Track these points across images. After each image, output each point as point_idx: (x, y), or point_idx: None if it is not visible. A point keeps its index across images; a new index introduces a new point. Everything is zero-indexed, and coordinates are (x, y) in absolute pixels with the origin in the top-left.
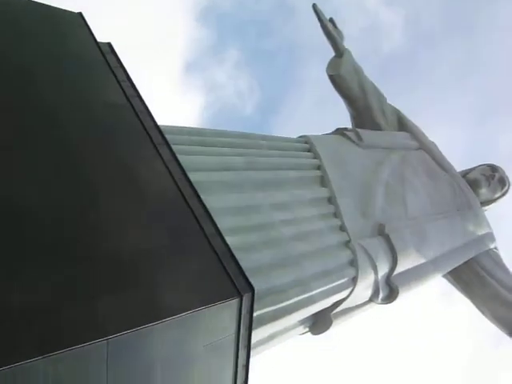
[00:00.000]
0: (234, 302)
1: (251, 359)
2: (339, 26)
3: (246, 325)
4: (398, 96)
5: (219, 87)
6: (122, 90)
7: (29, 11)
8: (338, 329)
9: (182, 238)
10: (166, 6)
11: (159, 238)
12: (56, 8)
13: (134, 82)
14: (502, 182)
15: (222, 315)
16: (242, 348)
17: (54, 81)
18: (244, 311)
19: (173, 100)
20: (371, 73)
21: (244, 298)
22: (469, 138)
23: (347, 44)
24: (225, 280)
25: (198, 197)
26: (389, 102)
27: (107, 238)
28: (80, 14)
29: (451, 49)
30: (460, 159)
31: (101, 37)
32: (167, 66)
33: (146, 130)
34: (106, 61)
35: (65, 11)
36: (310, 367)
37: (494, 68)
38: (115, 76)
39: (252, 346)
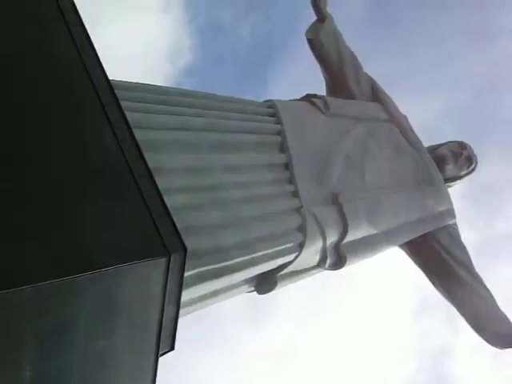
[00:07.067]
0: (162, 260)
1: (198, 312)
2: None
3: (176, 282)
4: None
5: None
6: (76, 47)
7: None
8: None
9: (116, 197)
10: None
11: (93, 195)
12: None
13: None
14: (470, 160)
15: (150, 272)
16: (171, 303)
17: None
18: (175, 269)
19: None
20: None
21: (173, 257)
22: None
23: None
24: (155, 239)
25: (143, 158)
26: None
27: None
28: None
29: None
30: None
31: None
32: None
33: (95, 88)
34: (64, 18)
35: None
36: None
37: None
38: (71, 33)
39: (194, 300)
